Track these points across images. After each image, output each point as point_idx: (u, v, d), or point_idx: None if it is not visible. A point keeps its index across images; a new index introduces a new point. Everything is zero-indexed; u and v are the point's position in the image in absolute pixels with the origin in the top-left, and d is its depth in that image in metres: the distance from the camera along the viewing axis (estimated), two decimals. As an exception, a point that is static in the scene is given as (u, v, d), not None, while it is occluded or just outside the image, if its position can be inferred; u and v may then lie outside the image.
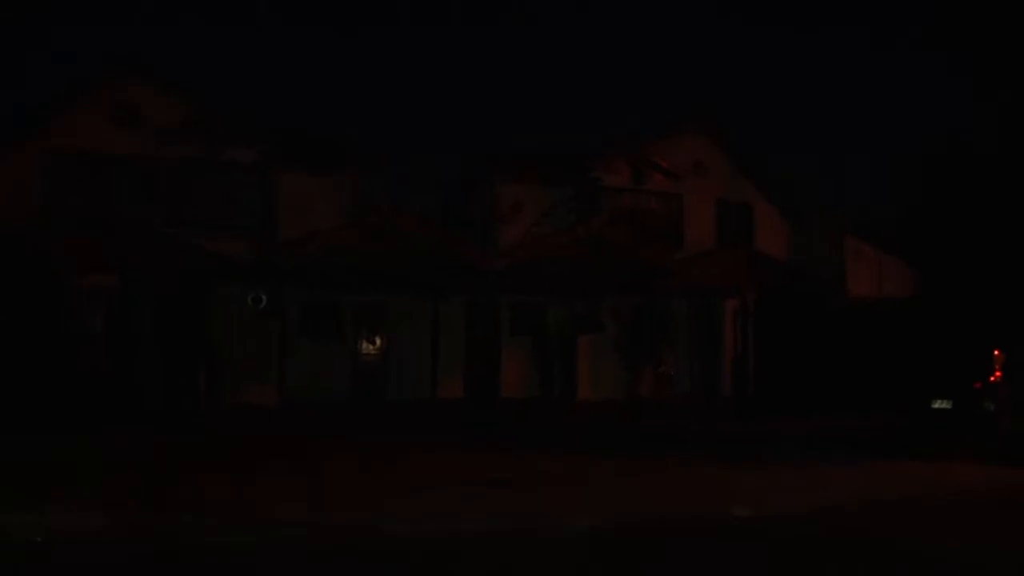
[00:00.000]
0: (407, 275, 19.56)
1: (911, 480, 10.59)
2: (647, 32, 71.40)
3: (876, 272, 24.99)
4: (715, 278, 21.87)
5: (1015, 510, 9.23)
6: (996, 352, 13.68)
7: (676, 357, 22.93)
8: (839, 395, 19.00)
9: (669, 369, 22.74)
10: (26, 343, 16.76)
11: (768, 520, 8.37)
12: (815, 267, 24.36)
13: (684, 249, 23.42)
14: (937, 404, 14.10)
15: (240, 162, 20.08)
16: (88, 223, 18.40)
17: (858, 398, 18.32)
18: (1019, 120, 28.31)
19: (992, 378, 13.43)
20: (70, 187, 19.00)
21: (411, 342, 20.73)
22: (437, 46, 70.75)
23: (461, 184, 25.02)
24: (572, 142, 25.45)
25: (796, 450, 13.21)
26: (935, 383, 14.59)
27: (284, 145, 20.63)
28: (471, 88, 65.18)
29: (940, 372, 14.86)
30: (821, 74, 68.52)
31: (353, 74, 65.84)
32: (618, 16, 72.06)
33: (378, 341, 21.04)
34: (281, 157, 20.34)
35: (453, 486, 9.79)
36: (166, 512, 8.20)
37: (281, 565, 6.66)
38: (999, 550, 7.30)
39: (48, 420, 14.56)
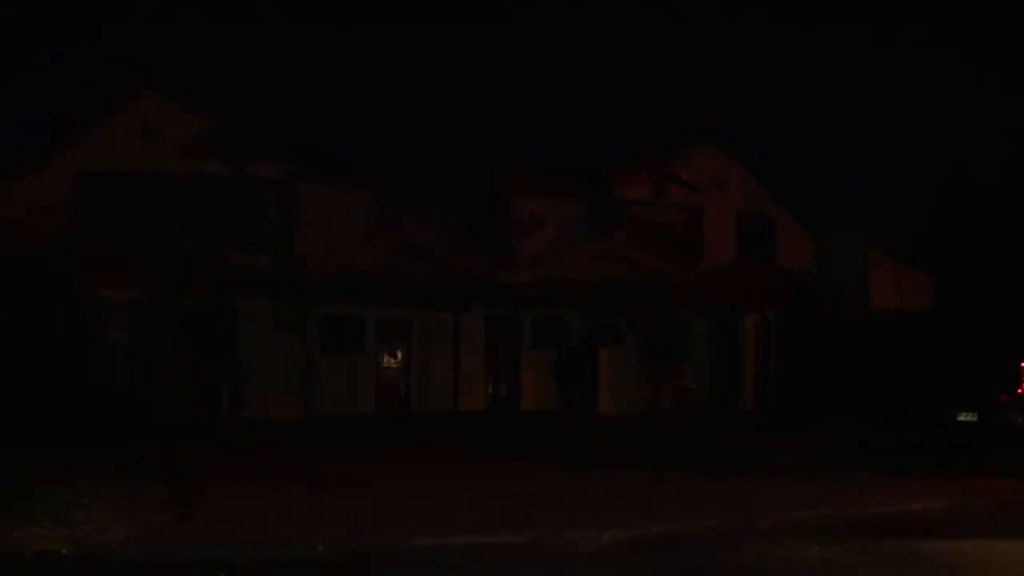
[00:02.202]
0: (429, 289, 19.63)
1: (940, 493, 10.48)
2: (666, 44, 71.42)
3: (897, 284, 24.82)
4: (735, 291, 21.81)
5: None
6: (1023, 364, 13.59)
7: (697, 370, 22.84)
8: (862, 408, 18.88)
9: (690, 382, 22.65)
10: (51, 355, 16.90)
11: (790, 534, 8.32)
12: (836, 279, 24.25)
13: (704, 262, 23.39)
14: (962, 417, 14.02)
15: (262, 177, 20.25)
16: (113, 238, 18.61)
17: (881, 411, 18.20)
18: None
19: (1020, 390, 13.34)
20: (95, 203, 19.25)
21: (432, 355, 20.78)
22: (456, 59, 71.04)
23: (481, 197, 25.11)
24: (592, 155, 25.44)
25: (818, 463, 13.09)
26: (959, 396, 14.50)
27: (305, 160, 20.79)
28: (491, 101, 65.33)
29: (964, 385, 14.78)
30: (841, 86, 68.28)
31: (374, 88, 66.15)
32: (636, 28, 72.13)
33: (399, 354, 21.09)
34: (302, 172, 20.49)
35: (476, 498, 9.78)
36: (185, 525, 8.23)
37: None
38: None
39: (71, 432, 14.65)
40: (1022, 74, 31.78)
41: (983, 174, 29.36)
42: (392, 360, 21.03)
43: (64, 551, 7.23)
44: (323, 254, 19.35)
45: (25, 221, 18.00)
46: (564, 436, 17.12)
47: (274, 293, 19.18)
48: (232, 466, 12.35)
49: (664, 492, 10.46)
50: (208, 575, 6.67)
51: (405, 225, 20.24)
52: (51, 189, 18.81)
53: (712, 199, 23.89)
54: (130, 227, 19.13)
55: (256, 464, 12.64)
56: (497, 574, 6.97)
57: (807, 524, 8.69)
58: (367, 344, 20.84)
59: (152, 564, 7.00)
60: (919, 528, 8.68)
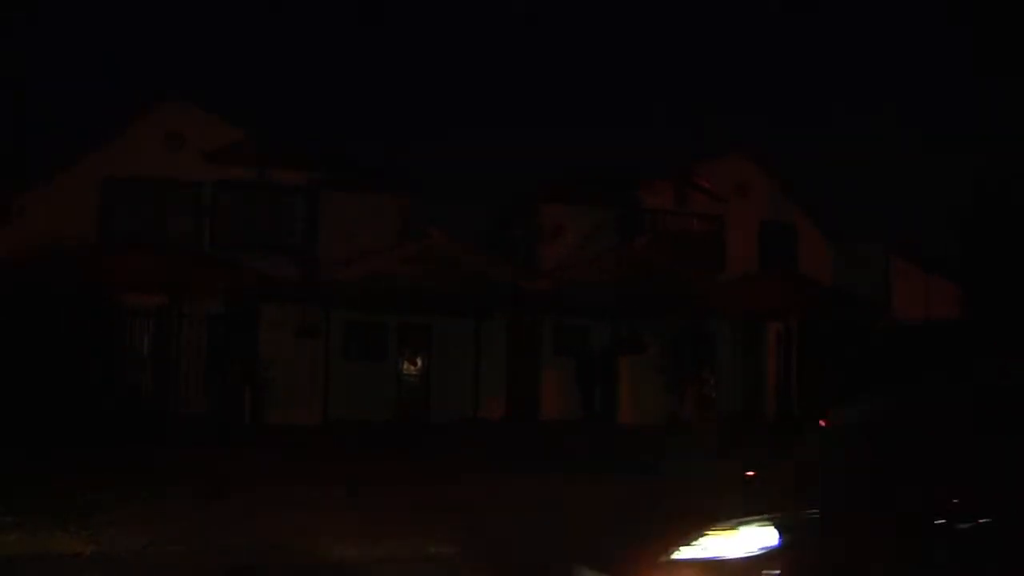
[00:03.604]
0: (450, 297, 19.66)
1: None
2: (691, 53, 71.32)
3: (922, 293, 24.61)
4: (758, 300, 21.68)
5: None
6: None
7: (718, 379, 22.73)
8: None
9: (711, 391, 22.55)
10: (76, 360, 17.07)
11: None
12: (859, 288, 24.05)
13: (727, 270, 23.28)
14: (988, 428, 13.81)
15: (287, 184, 20.37)
16: (138, 243, 18.78)
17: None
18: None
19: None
20: (122, 209, 19.44)
21: (453, 362, 20.80)
22: (481, 68, 71.30)
23: (505, 205, 25.14)
24: (615, 163, 25.44)
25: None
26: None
27: (330, 168, 20.90)
28: (516, 110, 65.50)
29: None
30: (866, 93, 67.93)
31: (400, 97, 66.51)
32: (660, 37, 72.12)
33: (420, 361, 21.14)
34: (327, 179, 20.60)
35: (491, 509, 9.76)
36: (209, 529, 8.28)
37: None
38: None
39: (96, 436, 14.77)
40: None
41: (1013, 180, 29.00)
42: (412, 367, 21.08)
43: (88, 553, 7.29)
44: (347, 261, 19.43)
45: (51, 227, 18.21)
46: (583, 445, 17.03)
47: (297, 299, 19.27)
48: (254, 471, 12.41)
49: (689, 505, 10.37)
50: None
51: (428, 233, 20.30)
52: (77, 195, 19.02)
53: (735, 207, 23.78)
54: (155, 233, 19.31)
55: (278, 469, 12.69)
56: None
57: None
58: (388, 351, 20.92)
59: (175, 567, 7.04)
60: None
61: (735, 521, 4.33)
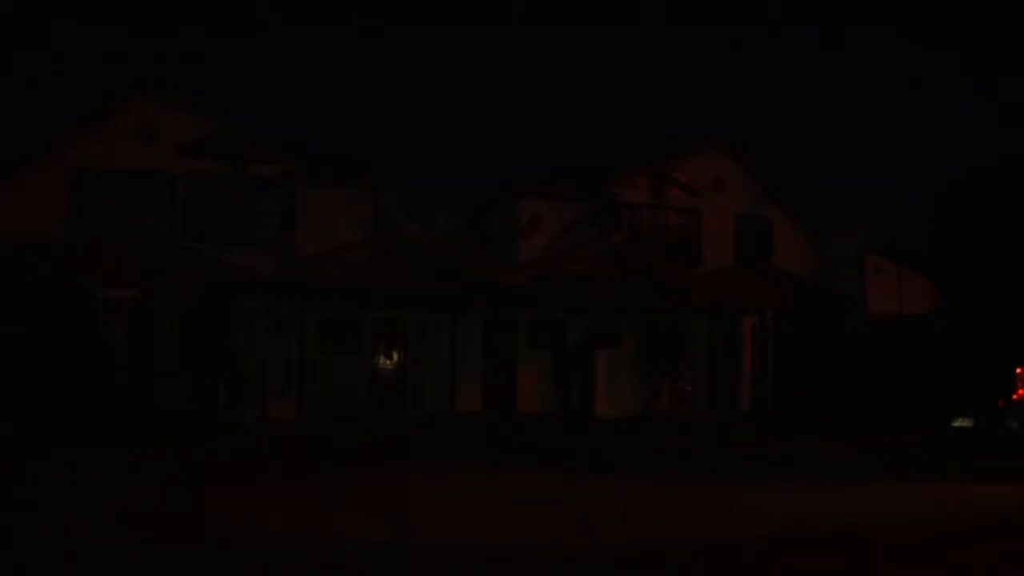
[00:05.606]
0: (427, 291, 19.64)
1: (933, 501, 10.42)
2: (667, 46, 71.44)
3: (896, 288, 24.84)
4: (734, 295, 21.82)
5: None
6: (1019, 369, 13.56)
7: (694, 373, 22.85)
8: (859, 413, 18.87)
9: (687, 385, 22.67)
10: (48, 355, 16.89)
11: (787, 541, 8.30)
12: (834, 283, 24.25)
13: (703, 265, 23.41)
14: (958, 422, 13.95)
15: (262, 177, 20.25)
16: (112, 237, 18.63)
17: (878, 416, 18.20)
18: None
19: (1015, 395, 13.30)
20: (94, 202, 19.25)
21: (430, 356, 20.79)
22: (458, 61, 71.09)
23: (481, 200, 25.13)
24: (592, 158, 25.47)
25: (814, 469, 13.08)
26: (956, 401, 14.45)
27: (306, 161, 20.79)
28: (492, 103, 65.36)
29: (961, 389, 14.72)
30: (842, 87, 68.34)
31: (376, 90, 66.23)
32: (637, 30, 72.21)
33: (396, 355, 21.10)
34: (303, 173, 20.49)
35: (472, 502, 9.77)
36: (184, 529, 8.23)
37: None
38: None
39: (68, 433, 14.64)
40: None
41: (985, 178, 29.31)
42: (388, 361, 21.04)
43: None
44: (322, 255, 19.36)
45: (23, 220, 18.03)
46: (559, 439, 17.10)
47: (272, 293, 19.18)
48: (229, 467, 12.35)
49: (662, 499, 10.45)
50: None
51: (405, 227, 20.24)
52: (49, 188, 18.82)
53: (711, 201, 23.92)
54: (129, 226, 19.14)
55: (253, 465, 12.64)
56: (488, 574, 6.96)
57: (797, 533, 8.65)
58: (364, 345, 20.86)
59: (152, 568, 6.97)
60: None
61: None
